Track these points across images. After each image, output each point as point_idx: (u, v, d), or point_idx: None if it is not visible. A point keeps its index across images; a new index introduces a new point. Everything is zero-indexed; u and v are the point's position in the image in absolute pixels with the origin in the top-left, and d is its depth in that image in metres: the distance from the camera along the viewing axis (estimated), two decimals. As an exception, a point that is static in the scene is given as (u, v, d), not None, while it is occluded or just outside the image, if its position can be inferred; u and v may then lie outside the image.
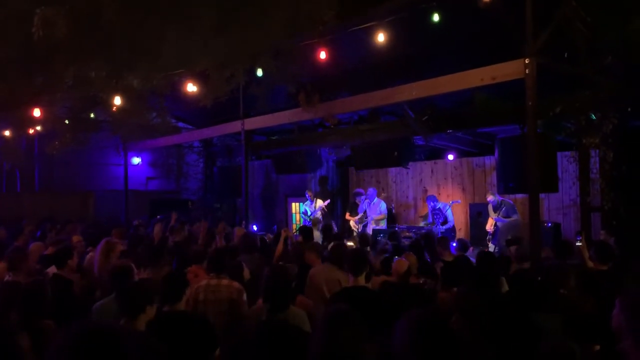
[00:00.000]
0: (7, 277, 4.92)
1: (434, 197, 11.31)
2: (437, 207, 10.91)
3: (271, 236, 8.70)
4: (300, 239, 7.61)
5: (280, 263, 5.78)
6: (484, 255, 5.84)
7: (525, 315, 3.78)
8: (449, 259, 6.45)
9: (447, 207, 10.88)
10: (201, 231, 7.94)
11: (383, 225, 11.01)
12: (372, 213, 11.14)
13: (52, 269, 5.30)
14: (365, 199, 11.40)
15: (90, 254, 6.77)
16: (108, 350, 1.96)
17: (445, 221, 10.69)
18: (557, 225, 9.36)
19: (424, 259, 6.14)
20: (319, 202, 12.05)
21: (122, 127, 10.17)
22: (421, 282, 5.02)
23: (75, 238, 7.56)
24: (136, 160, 15.75)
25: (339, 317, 2.40)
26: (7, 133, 10.54)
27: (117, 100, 7.87)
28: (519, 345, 3.44)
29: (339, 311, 2.46)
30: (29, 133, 10.71)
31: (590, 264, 5.60)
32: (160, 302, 3.49)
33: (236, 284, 4.52)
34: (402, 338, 2.07)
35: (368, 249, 7.24)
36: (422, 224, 11.26)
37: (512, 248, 6.75)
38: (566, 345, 3.00)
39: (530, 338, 3.44)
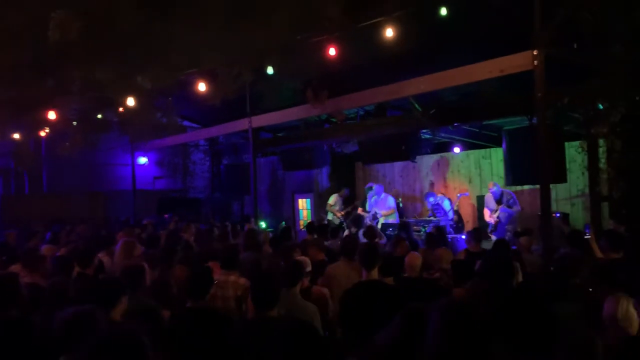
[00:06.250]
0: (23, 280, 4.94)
1: (432, 193, 11.39)
2: (436, 202, 11.02)
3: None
4: (308, 236, 7.65)
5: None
6: (500, 244, 5.89)
7: (543, 305, 3.80)
8: (476, 250, 6.44)
9: (446, 199, 10.99)
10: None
11: (393, 219, 11.05)
12: (380, 208, 11.17)
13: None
14: (373, 195, 11.42)
15: (102, 254, 6.82)
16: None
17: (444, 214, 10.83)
18: (565, 216, 9.38)
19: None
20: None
21: (131, 127, 10.23)
22: (435, 276, 5.05)
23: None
24: (143, 160, 15.79)
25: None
26: (16, 136, 10.62)
27: (129, 101, 7.92)
28: (537, 336, 3.46)
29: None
30: (40, 135, 10.79)
31: (600, 254, 5.61)
32: (186, 298, 3.55)
33: (243, 281, 4.53)
34: (435, 326, 2.11)
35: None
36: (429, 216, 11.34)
37: (522, 239, 6.78)
38: (587, 334, 3.02)
39: (549, 328, 3.46)
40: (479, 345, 2.11)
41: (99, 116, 10.74)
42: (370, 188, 11.73)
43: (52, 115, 8.96)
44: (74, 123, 10.26)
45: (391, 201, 11.27)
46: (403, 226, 9.32)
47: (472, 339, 2.09)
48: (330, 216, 11.99)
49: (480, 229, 7.83)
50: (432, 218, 10.97)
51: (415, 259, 5.11)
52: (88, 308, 2.80)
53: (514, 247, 6.71)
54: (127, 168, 14.79)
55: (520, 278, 5.28)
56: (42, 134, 10.86)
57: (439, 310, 2.17)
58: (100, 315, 2.80)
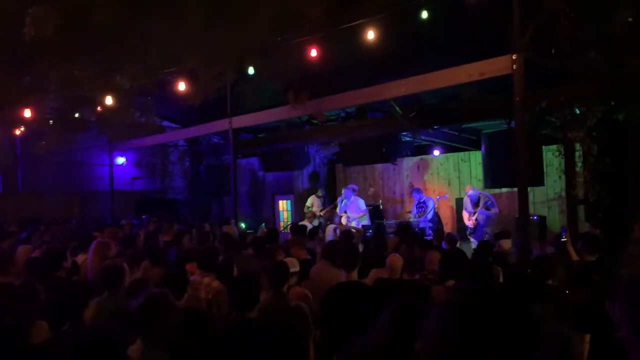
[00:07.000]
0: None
1: (420, 189, 11.44)
2: (422, 200, 11.06)
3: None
4: (291, 237, 7.61)
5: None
6: (483, 245, 5.94)
7: (520, 307, 3.83)
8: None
9: (431, 200, 11.05)
10: None
11: (365, 221, 11.06)
12: (351, 212, 11.17)
13: None
14: (343, 199, 11.38)
15: (81, 256, 6.69)
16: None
17: (424, 213, 10.85)
18: (542, 218, 9.51)
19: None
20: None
21: (109, 126, 10.10)
22: (417, 277, 5.05)
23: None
24: (120, 160, 15.57)
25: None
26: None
27: (106, 100, 7.81)
28: (515, 337, 3.49)
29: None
30: (15, 133, 10.60)
31: (576, 257, 5.69)
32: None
33: (216, 284, 4.45)
34: (436, 326, 2.07)
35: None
36: (409, 218, 11.36)
37: (502, 241, 6.84)
38: (561, 332, 3.06)
39: (527, 329, 3.50)
40: (480, 345, 2.08)
41: (76, 115, 10.57)
42: (353, 190, 11.73)
43: (27, 113, 8.80)
44: (51, 121, 10.09)
45: (362, 204, 11.24)
46: (378, 227, 9.39)
47: (474, 338, 2.05)
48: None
49: (442, 231, 7.97)
50: (412, 219, 11.00)
51: (396, 260, 5.10)
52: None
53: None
54: (105, 168, 14.58)
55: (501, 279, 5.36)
56: (18, 132, 10.65)
57: (440, 310, 2.14)
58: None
